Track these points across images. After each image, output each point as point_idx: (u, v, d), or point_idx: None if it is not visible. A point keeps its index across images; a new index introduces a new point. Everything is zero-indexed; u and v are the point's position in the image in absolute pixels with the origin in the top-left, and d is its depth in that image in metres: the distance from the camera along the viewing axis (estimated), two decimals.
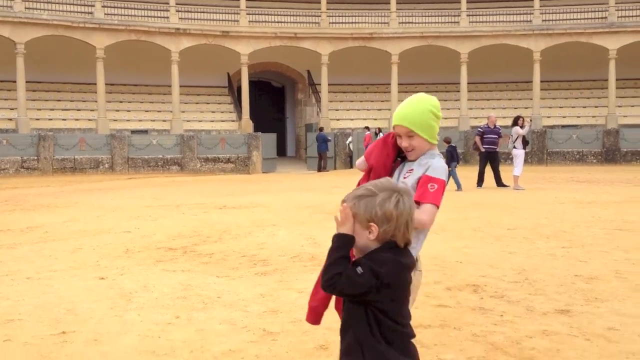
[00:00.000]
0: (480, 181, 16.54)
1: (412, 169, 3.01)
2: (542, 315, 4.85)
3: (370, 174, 3.11)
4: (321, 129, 29.81)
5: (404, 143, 3.01)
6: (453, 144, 17.92)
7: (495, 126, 16.84)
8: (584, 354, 3.99)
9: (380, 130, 28.86)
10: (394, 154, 3.10)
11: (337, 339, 4.40)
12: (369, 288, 2.08)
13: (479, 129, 17.58)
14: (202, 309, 5.17)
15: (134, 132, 30.04)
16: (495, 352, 4.08)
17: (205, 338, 4.41)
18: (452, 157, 17.24)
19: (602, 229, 9.24)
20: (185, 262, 7.17)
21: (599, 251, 7.47)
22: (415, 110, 3.02)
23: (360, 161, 3.27)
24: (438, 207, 2.86)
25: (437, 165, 2.96)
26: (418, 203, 2.77)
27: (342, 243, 2.15)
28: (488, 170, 16.87)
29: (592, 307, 5.09)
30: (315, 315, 2.93)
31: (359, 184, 2.88)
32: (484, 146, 16.67)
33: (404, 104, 3.09)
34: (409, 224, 2.18)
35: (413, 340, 2.23)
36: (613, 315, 4.84)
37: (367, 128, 29.44)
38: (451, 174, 16.81)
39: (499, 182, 16.45)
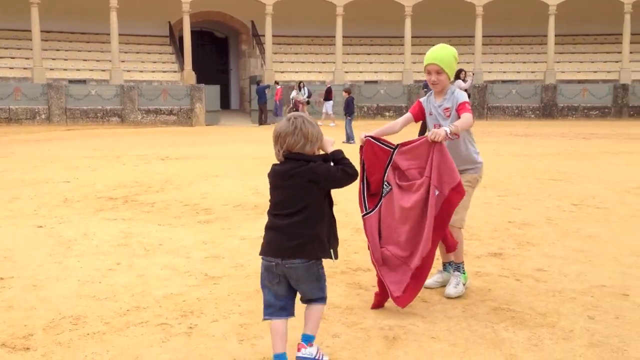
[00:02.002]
0: None
1: (447, 108, 4.02)
2: (475, 259, 5.05)
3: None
4: (259, 82, 29.51)
5: (432, 78, 4.01)
6: (352, 96, 18.41)
7: None
8: (513, 292, 4.19)
9: (303, 84, 28.34)
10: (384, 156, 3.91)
11: None
12: None
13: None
14: (143, 256, 5.18)
15: (71, 81, 29.06)
16: (427, 291, 4.24)
17: (146, 283, 4.44)
18: (348, 108, 17.73)
19: (536, 179, 9.57)
20: (126, 211, 7.12)
21: (533, 199, 7.76)
22: (444, 53, 4.03)
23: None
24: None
25: (461, 95, 4.01)
26: (461, 113, 3.92)
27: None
28: None
29: (524, 250, 5.31)
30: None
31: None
32: None
33: (434, 49, 4.06)
34: None
35: None
36: (542, 257, 5.07)
37: (276, 83, 29.72)
38: (346, 125, 17.41)
39: None
